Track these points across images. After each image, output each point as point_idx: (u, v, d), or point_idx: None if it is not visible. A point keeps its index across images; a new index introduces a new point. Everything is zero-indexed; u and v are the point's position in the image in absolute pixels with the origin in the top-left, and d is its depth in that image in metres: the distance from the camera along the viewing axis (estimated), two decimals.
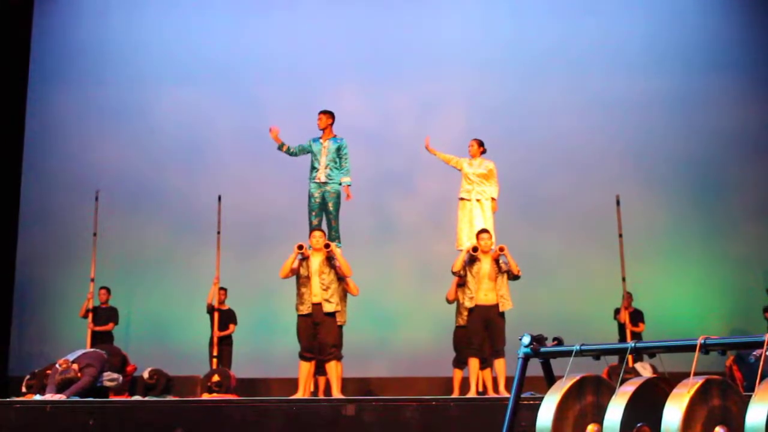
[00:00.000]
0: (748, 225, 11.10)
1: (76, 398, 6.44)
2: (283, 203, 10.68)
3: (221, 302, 9.46)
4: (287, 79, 11.61)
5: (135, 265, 10.97)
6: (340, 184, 8.05)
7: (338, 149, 8.08)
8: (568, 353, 3.24)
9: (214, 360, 8.99)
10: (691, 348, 2.88)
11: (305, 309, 7.26)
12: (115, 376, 7.05)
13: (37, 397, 6.70)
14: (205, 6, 12.08)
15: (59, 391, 6.55)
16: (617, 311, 9.54)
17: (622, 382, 2.97)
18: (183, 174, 11.40)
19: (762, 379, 2.61)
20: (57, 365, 6.77)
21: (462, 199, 8.26)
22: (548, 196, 11.11)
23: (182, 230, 11.14)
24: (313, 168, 8.10)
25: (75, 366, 6.66)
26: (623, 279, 8.99)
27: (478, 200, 8.17)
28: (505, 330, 7.45)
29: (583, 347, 3.22)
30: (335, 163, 8.06)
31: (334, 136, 8.16)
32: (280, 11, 11.94)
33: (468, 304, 7.48)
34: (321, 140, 8.14)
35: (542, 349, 3.36)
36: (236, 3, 12.10)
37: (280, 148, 8.26)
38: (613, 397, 2.89)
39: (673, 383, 2.82)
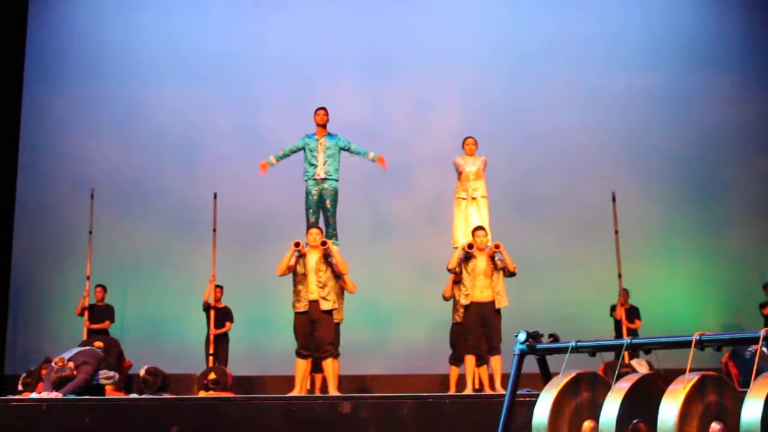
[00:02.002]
0: (744, 222, 11.12)
1: (72, 396, 6.43)
2: (279, 200, 10.67)
3: (217, 300, 9.45)
4: (283, 76, 11.60)
5: (131, 263, 10.95)
6: (336, 180, 8.05)
7: (338, 144, 8.09)
8: (563, 350, 3.24)
9: (211, 358, 8.99)
10: (686, 344, 2.89)
11: (302, 306, 7.25)
12: (111, 373, 7.04)
13: (34, 395, 6.69)
14: (200, 3, 12.06)
15: (55, 389, 6.53)
16: (613, 308, 9.55)
17: (619, 377, 2.97)
18: (179, 171, 11.38)
19: (757, 374, 2.62)
20: (53, 364, 6.76)
21: (460, 198, 8.26)
22: (544, 192, 11.12)
23: (178, 228, 11.13)
24: (311, 165, 8.08)
25: (71, 364, 6.65)
26: (619, 276, 9.01)
27: (473, 198, 8.17)
28: (501, 327, 7.45)
29: (579, 344, 3.22)
30: (333, 158, 8.06)
31: (328, 133, 8.18)
32: (276, 9, 11.92)
33: (464, 301, 7.48)
34: (316, 137, 8.14)
35: (538, 346, 3.36)
36: (232, 1, 12.09)
37: (274, 164, 8.23)
38: (609, 393, 2.89)
39: (669, 379, 2.82)
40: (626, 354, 8.02)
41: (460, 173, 8.25)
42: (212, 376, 7.92)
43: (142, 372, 7.79)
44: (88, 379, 6.63)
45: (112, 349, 7.76)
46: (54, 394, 6.36)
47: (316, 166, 8.03)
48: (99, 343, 7.81)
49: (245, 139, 11.50)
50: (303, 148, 8.14)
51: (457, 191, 8.27)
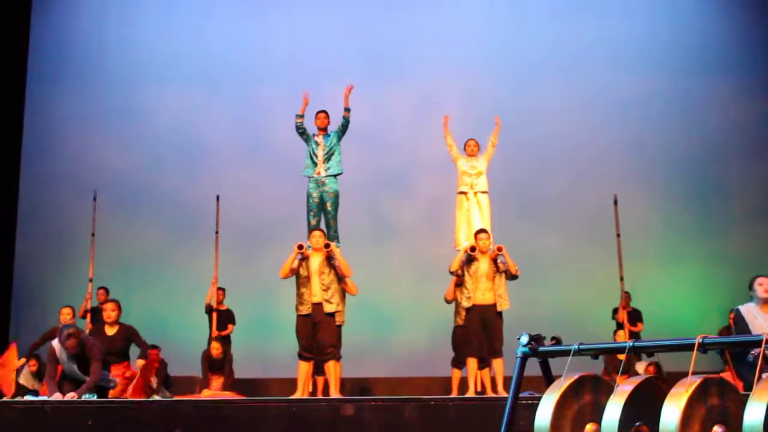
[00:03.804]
0: (746, 224, 11.11)
1: (89, 397, 6.39)
2: (281, 203, 10.68)
3: (220, 302, 9.44)
4: (285, 79, 11.60)
5: (133, 265, 10.97)
6: (335, 176, 8.06)
7: (334, 139, 8.12)
8: (566, 353, 3.25)
9: None
10: (689, 347, 2.89)
11: (305, 309, 7.25)
12: (112, 377, 7.02)
13: (42, 398, 6.69)
14: (203, 6, 12.08)
15: (70, 354, 6.46)
16: (615, 311, 9.54)
17: (624, 371, 2.98)
18: (181, 174, 11.40)
19: (760, 377, 2.62)
20: (62, 331, 6.66)
21: (461, 192, 8.27)
22: (546, 195, 11.12)
23: (180, 230, 11.14)
24: (312, 162, 8.11)
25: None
26: (621, 279, 8.99)
27: (475, 193, 8.19)
28: (503, 330, 7.45)
29: (582, 346, 3.23)
30: (333, 158, 8.10)
31: (328, 134, 8.24)
32: (278, 11, 11.94)
33: (466, 303, 7.48)
34: (315, 137, 8.19)
35: (540, 349, 3.36)
36: (235, 3, 12.12)
37: (298, 116, 8.23)
38: (612, 396, 2.89)
39: (671, 382, 2.83)
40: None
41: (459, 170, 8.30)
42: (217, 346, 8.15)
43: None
44: (100, 373, 6.61)
45: (134, 336, 7.72)
46: (70, 395, 6.32)
47: (316, 164, 8.08)
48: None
49: (247, 141, 11.53)
50: (306, 141, 8.18)
51: (459, 185, 8.29)
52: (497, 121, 8.47)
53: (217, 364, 8.57)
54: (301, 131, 8.23)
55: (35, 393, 8.40)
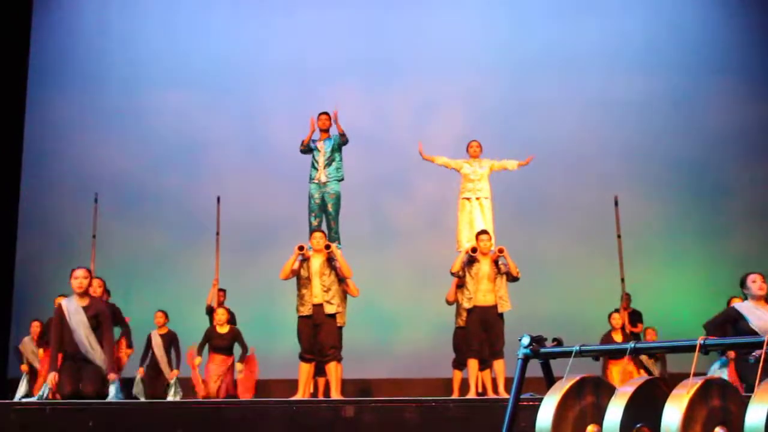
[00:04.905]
0: (746, 225, 11.11)
1: (116, 398, 6.35)
2: (282, 204, 10.69)
3: (221, 303, 9.44)
4: (285, 81, 11.63)
5: (134, 266, 10.97)
6: (338, 181, 8.09)
7: (334, 145, 8.15)
8: (567, 354, 3.25)
9: None
10: (690, 348, 2.89)
11: (306, 310, 7.25)
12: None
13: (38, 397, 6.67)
14: (203, 7, 12.09)
15: (85, 280, 6.32)
16: (616, 312, 9.54)
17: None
18: (182, 175, 11.40)
19: (761, 379, 2.62)
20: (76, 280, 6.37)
21: (465, 198, 8.29)
22: (547, 196, 11.12)
23: (181, 232, 11.14)
24: (314, 168, 8.15)
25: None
26: (622, 280, 8.99)
27: (477, 198, 8.21)
28: (504, 331, 7.46)
29: (583, 348, 3.22)
30: (332, 162, 8.12)
31: (329, 136, 8.25)
32: (280, 14, 11.96)
33: (467, 305, 7.48)
34: (317, 143, 8.21)
35: (542, 350, 3.36)
36: (235, 5, 12.13)
37: (303, 143, 8.28)
38: (613, 397, 2.89)
39: (672, 384, 2.82)
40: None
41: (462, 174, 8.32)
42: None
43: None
44: (113, 344, 6.56)
45: (117, 314, 7.69)
46: (112, 387, 6.24)
47: (317, 170, 8.11)
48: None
49: (248, 142, 11.53)
50: (311, 151, 8.22)
51: (462, 191, 8.31)
52: (529, 160, 8.44)
53: (222, 342, 8.44)
54: (304, 151, 8.29)
55: (35, 373, 8.43)
